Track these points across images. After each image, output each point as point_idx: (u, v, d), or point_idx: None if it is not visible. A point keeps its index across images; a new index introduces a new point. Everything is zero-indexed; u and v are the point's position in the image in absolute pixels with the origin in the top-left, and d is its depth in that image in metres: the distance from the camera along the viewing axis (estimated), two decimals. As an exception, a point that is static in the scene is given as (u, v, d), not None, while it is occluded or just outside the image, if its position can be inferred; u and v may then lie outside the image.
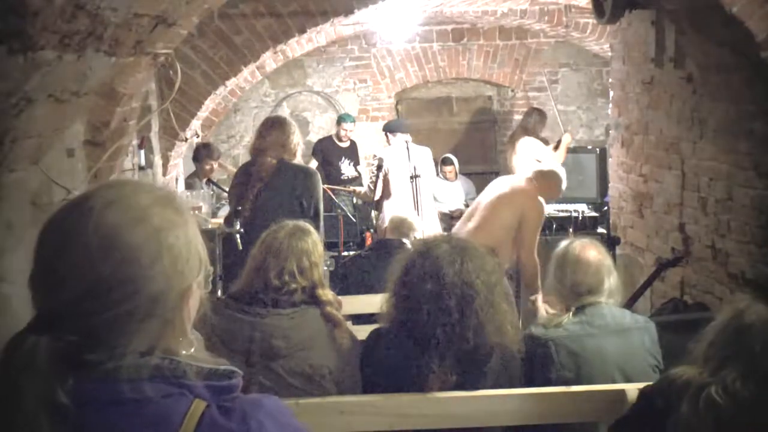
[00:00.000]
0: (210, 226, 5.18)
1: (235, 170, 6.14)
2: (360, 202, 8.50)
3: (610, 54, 6.98)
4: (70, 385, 1.19)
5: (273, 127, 5.20)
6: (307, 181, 5.13)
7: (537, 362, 3.16)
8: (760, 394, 2.40)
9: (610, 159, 6.98)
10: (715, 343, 2.53)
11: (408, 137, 7.45)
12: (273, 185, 5.05)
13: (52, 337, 1.20)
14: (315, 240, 3.23)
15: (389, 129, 7.85)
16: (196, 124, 6.75)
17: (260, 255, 3.14)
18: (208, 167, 7.62)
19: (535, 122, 8.98)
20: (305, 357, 2.98)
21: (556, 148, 8.77)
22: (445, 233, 4.45)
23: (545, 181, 5.67)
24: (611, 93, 6.81)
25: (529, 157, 8.59)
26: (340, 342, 3.05)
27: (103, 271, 1.23)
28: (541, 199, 5.66)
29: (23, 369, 1.18)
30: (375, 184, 7.13)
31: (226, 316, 3.00)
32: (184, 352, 1.32)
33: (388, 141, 7.76)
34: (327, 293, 3.16)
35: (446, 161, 9.50)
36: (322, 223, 5.19)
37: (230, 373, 1.31)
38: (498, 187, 5.82)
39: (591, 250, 3.33)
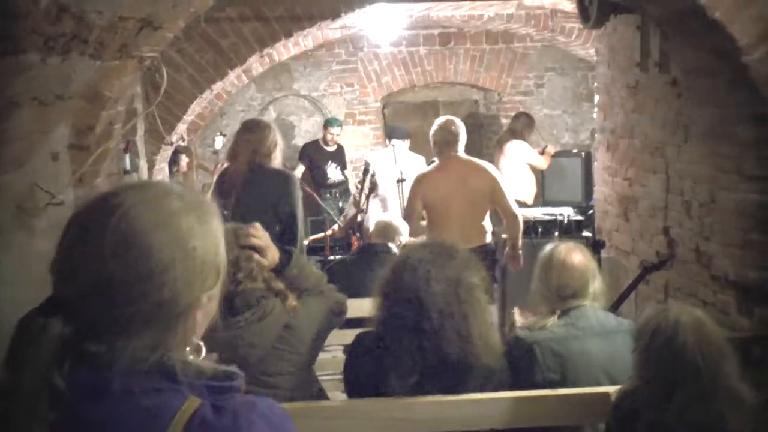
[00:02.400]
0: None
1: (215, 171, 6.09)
2: (347, 204, 8.50)
3: (595, 58, 7.01)
4: (66, 371, 1.21)
5: (245, 131, 5.05)
6: (282, 184, 4.97)
7: (522, 365, 3.18)
8: (717, 413, 2.46)
9: (595, 163, 7.02)
10: (655, 365, 2.63)
11: (403, 143, 7.49)
12: (247, 191, 4.91)
13: (59, 320, 1.23)
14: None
15: (386, 134, 7.90)
16: (182, 127, 6.73)
17: None
18: (183, 164, 7.64)
19: (523, 126, 9.02)
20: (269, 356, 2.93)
21: (541, 153, 8.83)
22: (429, 240, 4.45)
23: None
24: (596, 97, 6.84)
25: (519, 160, 8.63)
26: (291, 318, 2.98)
27: (114, 269, 1.24)
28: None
29: (29, 345, 1.21)
30: (361, 189, 7.13)
31: None
32: (191, 358, 1.33)
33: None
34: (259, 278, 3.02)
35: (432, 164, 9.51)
36: (300, 227, 5.07)
37: (231, 374, 1.32)
38: (451, 180, 5.91)
39: (576, 254, 3.35)
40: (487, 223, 6.07)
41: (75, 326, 1.23)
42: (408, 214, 5.98)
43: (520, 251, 6.12)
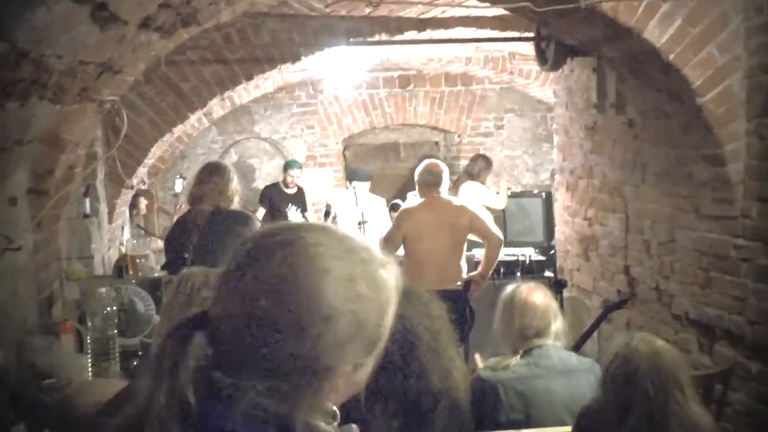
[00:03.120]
0: (157, 275, 5.11)
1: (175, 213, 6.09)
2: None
3: (553, 100, 7.12)
4: (195, 391, 1.15)
5: (213, 174, 5.12)
6: (243, 225, 5.04)
7: (486, 406, 3.18)
8: None
9: (555, 203, 7.09)
10: (612, 387, 2.73)
11: (364, 185, 7.53)
12: (211, 232, 4.98)
13: (204, 338, 1.17)
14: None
15: (347, 176, 7.94)
16: (142, 171, 6.69)
17: (177, 307, 3.02)
18: (143, 206, 7.61)
19: (480, 168, 9.03)
20: None
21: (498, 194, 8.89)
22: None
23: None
24: (556, 138, 6.94)
25: (474, 202, 8.68)
26: None
27: (259, 304, 1.15)
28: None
29: (175, 355, 1.15)
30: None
31: None
32: (321, 423, 1.20)
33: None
34: None
35: (395, 207, 9.54)
36: None
37: None
38: (434, 218, 5.99)
39: (537, 294, 3.39)
40: (464, 264, 6.14)
41: (214, 348, 1.16)
42: (387, 243, 6.11)
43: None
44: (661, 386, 2.61)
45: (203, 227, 5.00)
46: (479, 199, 8.69)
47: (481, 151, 10.30)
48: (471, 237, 6.23)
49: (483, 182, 8.93)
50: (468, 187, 8.69)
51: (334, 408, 1.25)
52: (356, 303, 1.18)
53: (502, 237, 6.16)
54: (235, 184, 5.16)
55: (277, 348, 1.14)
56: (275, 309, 1.14)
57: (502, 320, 3.42)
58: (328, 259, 1.18)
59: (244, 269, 1.18)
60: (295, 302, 1.15)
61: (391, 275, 1.26)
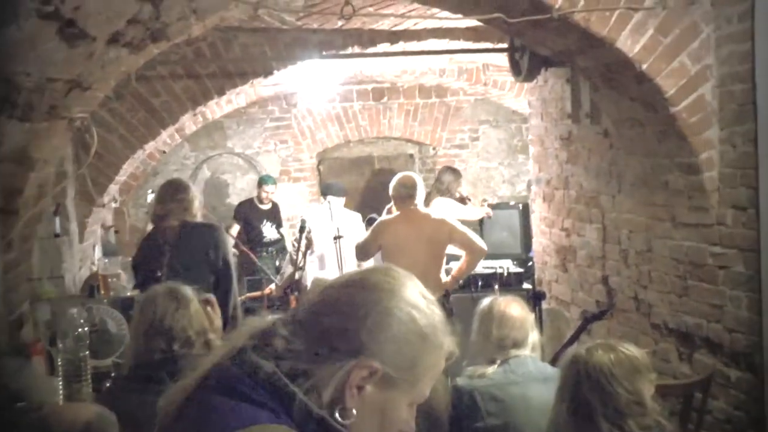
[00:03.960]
0: (129, 294, 5.08)
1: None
2: (284, 262, 8.45)
3: (528, 111, 7.18)
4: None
5: (179, 191, 5.28)
6: (213, 236, 5.24)
7: (463, 413, 3.25)
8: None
9: (532, 214, 7.13)
10: (567, 387, 2.77)
11: (338, 200, 7.54)
12: (182, 247, 5.11)
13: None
14: (186, 294, 3.10)
15: (321, 191, 7.93)
16: (113, 188, 6.66)
17: (144, 328, 3.00)
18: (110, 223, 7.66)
19: (449, 182, 8.83)
20: None
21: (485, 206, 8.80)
22: None
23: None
24: (531, 149, 6.99)
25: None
26: None
27: (324, 320, 1.36)
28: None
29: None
30: (298, 246, 7.12)
31: (125, 400, 2.84)
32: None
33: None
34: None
35: (371, 222, 9.52)
36: (234, 274, 5.32)
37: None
38: (411, 230, 6.00)
39: (515, 306, 3.47)
40: (443, 277, 6.16)
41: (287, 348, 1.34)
42: (360, 252, 6.21)
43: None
44: (618, 379, 2.63)
45: (174, 243, 5.09)
46: (451, 213, 8.63)
47: (457, 164, 10.33)
48: (449, 250, 6.24)
49: (453, 195, 8.80)
50: (437, 203, 8.49)
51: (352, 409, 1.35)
52: (412, 322, 1.37)
53: (485, 247, 6.18)
54: (198, 200, 5.38)
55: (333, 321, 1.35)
56: (344, 293, 1.39)
57: (479, 332, 3.47)
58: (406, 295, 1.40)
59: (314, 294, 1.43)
60: (363, 296, 1.37)
61: (446, 340, 1.44)
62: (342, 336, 1.33)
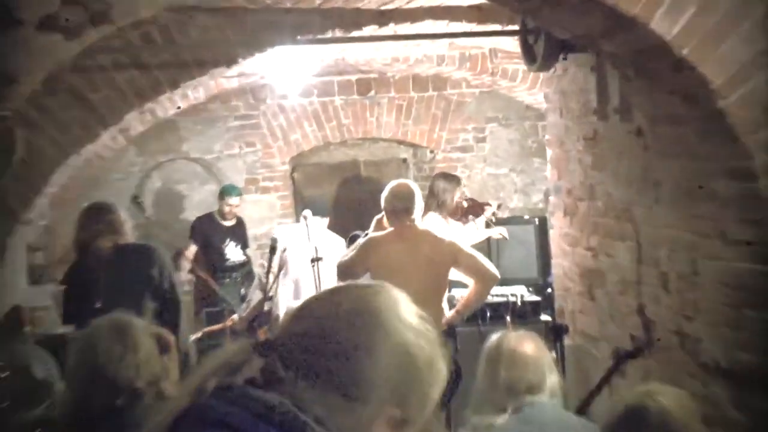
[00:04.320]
0: (60, 331, 5.04)
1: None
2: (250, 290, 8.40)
3: (544, 106, 7.17)
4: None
5: (105, 213, 5.57)
6: (151, 258, 5.41)
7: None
8: None
9: (551, 230, 7.11)
10: None
11: (319, 219, 7.48)
12: (115, 272, 5.26)
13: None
14: (135, 333, 3.08)
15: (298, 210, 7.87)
16: (42, 202, 6.60)
17: (81, 374, 2.98)
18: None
19: (442, 191, 8.21)
20: None
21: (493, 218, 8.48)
22: None
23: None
24: (548, 152, 6.98)
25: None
26: None
27: (327, 323, 1.55)
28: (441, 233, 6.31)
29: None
30: (268, 270, 7.08)
31: None
32: None
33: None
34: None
35: (354, 239, 9.48)
36: (180, 296, 5.50)
37: None
38: (406, 251, 5.98)
39: (528, 343, 3.45)
40: (445, 307, 6.14)
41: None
42: (344, 275, 6.09)
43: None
44: None
45: (108, 268, 5.28)
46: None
47: (459, 170, 10.33)
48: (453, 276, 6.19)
49: (448, 208, 8.32)
50: (430, 219, 8.08)
51: None
52: (412, 354, 1.56)
53: (498, 274, 6.15)
54: (127, 220, 5.70)
55: (339, 364, 1.51)
56: (341, 328, 1.54)
57: (486, 374, 3.45)
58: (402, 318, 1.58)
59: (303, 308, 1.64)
60: (362, 323, 1.55)
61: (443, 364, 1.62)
62: (344, 375, 1.50)
